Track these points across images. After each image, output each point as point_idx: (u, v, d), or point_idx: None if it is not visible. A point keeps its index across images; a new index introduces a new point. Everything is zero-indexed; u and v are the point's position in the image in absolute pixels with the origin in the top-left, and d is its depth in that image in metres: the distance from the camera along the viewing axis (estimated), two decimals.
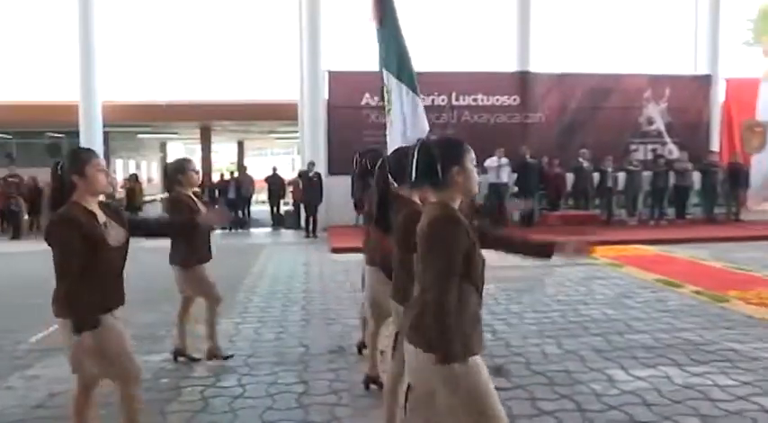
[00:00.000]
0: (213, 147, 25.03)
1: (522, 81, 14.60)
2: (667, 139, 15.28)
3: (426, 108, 13.87)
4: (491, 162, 13.08)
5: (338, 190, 13.31)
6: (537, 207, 13.58)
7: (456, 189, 2.24)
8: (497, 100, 14.58)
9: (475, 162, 2.30)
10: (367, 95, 14.13)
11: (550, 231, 10.90)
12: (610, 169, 13.50)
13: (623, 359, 4.56)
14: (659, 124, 15.24)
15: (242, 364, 4.57)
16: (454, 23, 15.82)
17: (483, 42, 15.70)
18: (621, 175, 13.84)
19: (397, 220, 3.05)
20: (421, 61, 15.57)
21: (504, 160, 13.14)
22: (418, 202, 3.01)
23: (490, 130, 14.24)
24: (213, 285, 4.52)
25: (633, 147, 14.99)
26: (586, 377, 4.20)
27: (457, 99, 14.48)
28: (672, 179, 13.76)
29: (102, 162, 2.86)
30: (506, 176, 13.22)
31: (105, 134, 15.71)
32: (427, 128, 3.95)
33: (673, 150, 15.04)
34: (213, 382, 4.22)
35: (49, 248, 2.70)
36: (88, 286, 2.68)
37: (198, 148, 24.32)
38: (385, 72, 4.04)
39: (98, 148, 12.35)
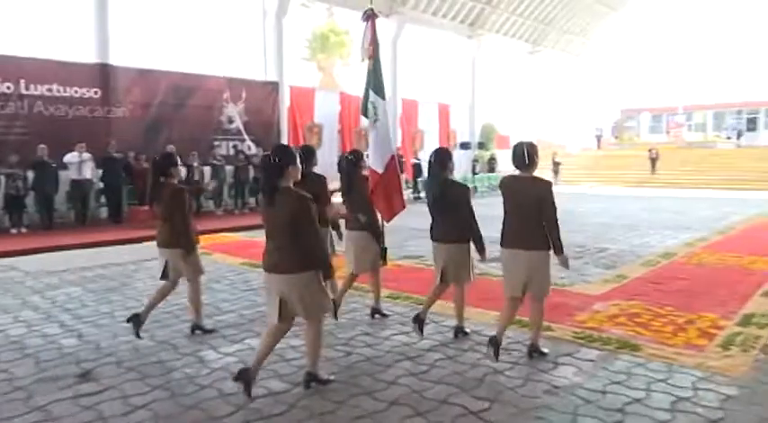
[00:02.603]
0: None
1: (103, 73, 13.41)
2: (246, 137, 16.25)
3: None
4: (71, 158, 11.70)
5: None
6: (125, 202, 12.81)
7: (535, 169, 4.04)
8: (76, 92, 13.02)
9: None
10: None
11: (141, 226, 10.52)
12: (195, 164, 13.57)
13: (213, 340, 4.70)
14: (238, 123, 16.08)
15: None
16: (25, 6, 13.59)
17: (59, 29, 13.90)
18: (207, 170, 14.15)
19: (455, 195, 4.46)
20: None
21: (87, 155, 11.84)
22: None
23: (70, 123, 12.66)
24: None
25: (217, 143, 15.41)
26: (179, 363, 4.18)
27: (27, 88, 12.39)
28: (252, 172, 14.72)
29: None
30: (90, 172, 12.03)
31: None
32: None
33: (251, 146, 16.10)
34: None
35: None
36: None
37: None
38: (372, 93, 4.84)
39: None
